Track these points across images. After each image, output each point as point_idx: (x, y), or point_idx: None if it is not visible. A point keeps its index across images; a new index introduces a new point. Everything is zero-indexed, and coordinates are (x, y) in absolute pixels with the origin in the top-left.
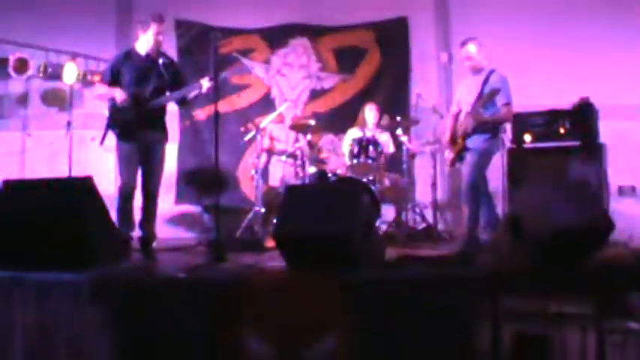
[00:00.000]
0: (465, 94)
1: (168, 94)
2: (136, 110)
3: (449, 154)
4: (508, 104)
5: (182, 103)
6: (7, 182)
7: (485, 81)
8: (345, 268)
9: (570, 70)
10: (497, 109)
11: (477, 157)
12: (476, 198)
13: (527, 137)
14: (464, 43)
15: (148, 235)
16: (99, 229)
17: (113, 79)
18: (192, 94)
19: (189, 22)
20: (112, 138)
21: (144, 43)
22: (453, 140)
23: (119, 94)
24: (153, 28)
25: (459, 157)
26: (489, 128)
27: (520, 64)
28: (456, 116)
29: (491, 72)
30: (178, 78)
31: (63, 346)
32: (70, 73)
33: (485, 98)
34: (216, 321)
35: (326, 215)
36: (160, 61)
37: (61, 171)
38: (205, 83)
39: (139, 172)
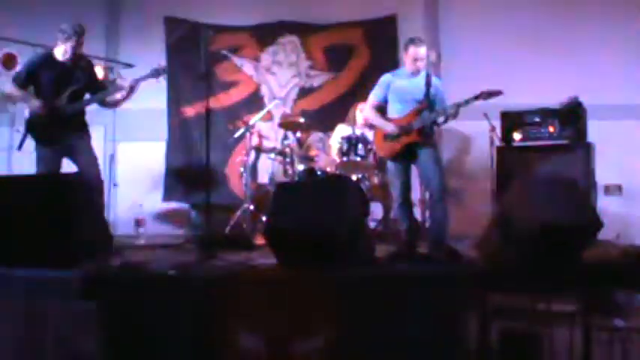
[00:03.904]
0: (404, 92)
1: (87, 96)
2: (53, 118)
3: (391, 145)
4: None
5: (103, 104)
6: None
7: (428, 83)
8: (335, 265)
9: (559, 68)
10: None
11: (436, 155)
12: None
13: (517, 135)
14: (421, 42)
15: None
16: (88, 224)
17: (27, 81)
18: (112, 97)
19: (178, 19)
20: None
21: (62, 51)
22: (405, 130)
23: (35, 104)
24: (72, 41)
25: (408, 150)
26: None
27: (509, 62)
28: (380, 108)
29: (429, 75)
30: (93, 79)
31: (51, 343)
32: None
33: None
34: (206, 317)
35: (316, 213)
36: (79, 65)
37: None
38: (124, 85)
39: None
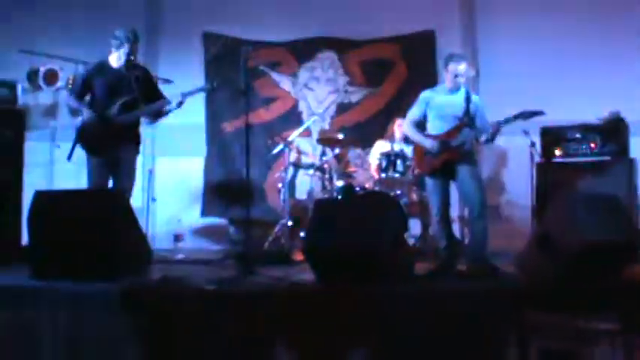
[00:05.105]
0: (443, 108)
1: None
2: (104, 127)
3: (430, 161)
4: None
5: (155, 117)
6: (39, 193)
7: (468, 99)
8: (374, 282)
9: (600, 83)
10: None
11: (476, 171)
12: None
13: (557, 152)
14: (462, 59)
15: None
16: (129, 239)
17: (84, 90)
18: (164, 109)
19: (217, 34)
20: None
21: (116, 58)
22: (445, 147)
23: (86, 113)
24: (125, 47)
25: (447, 166)
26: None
27: (549, 77)
28: (418, 125)
29: (469, 91)
30: (152, 90)
31: (93, 356)
32: None
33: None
34: (245, 332)
35: (354, 229)
36: (133, 75)
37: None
38: (176, 100)
39: (110, 185)
